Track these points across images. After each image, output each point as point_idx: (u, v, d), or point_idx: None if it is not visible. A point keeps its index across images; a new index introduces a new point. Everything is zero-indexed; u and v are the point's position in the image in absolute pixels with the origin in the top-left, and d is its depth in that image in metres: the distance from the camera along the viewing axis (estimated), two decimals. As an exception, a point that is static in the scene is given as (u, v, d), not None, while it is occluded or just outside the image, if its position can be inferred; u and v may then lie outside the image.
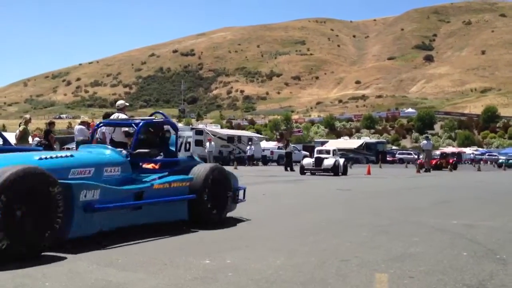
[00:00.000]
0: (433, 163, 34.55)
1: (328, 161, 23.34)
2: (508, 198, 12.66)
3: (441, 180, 21.04)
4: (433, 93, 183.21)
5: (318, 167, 23.54)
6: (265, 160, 44.49)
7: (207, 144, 35.07)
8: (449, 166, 34.06)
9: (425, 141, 32.43)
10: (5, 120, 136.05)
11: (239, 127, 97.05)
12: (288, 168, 28.02)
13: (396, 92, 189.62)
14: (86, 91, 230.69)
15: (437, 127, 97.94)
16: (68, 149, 30.64)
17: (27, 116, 17.34)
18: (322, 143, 53.89)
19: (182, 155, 9.26)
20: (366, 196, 12.31)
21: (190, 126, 52.94)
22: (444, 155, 39.25)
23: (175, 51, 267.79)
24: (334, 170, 23.12)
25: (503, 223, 7.34)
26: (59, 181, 4.62)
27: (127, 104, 12.23)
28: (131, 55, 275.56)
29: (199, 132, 41.47)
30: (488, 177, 25.66)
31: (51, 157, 5.19)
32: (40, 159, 5.03)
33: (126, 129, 10.17)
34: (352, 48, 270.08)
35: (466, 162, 64.29)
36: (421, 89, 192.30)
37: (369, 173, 25.50)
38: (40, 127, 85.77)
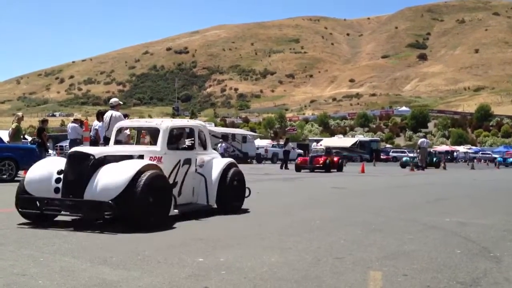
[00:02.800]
0: (320, 161, 26.17)
1: None
2: (501, 196, 12.71)
3: (435, 178, 21.10)
4: (426, 92, 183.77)
5: None
6: (259, 158, 44.53)
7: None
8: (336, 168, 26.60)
9: (422, 139, 32.42)
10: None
11: (233, 125, 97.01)
12: (283, 167, 28.23)
13: (390, 91, 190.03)
14: (80, 89, 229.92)
15: (430, 125, 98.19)
16: (61, 147, 30.60)
17: (20, 114, 17.28)
18: (317, 141, 54.02)
19: None
20: (360, 194, 12.33)
21: (184, 124, 52.80)
22: (328, 151, 27.88)
23: (168, 49, 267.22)
24: None
25: (496, 221, 7.36)
26: None
27: (121, 102, 12.23)
28: (124, 53, 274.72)
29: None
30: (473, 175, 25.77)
31: None
32: None
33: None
34: (346, 47, 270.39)
35: (459, 160, 64.65)
36: (415, 88, 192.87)
37: (363, 171, 25.55)
38: (33, 125, 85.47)
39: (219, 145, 38.33)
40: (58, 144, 31.68)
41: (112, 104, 11.75)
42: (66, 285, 3.58)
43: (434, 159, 36.96)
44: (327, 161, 25.76)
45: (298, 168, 26.05)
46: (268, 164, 39.56)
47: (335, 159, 27.50)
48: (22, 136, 18.08)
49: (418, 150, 32.38)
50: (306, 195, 11.76)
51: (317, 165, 25.38)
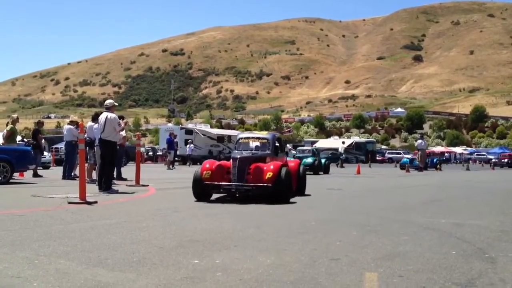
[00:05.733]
0: (266, 175, 18.62)
1: None
2: (496, 196, 12.73)
3: (430, 179, 21.14)
4: (422, 93, 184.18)
5: None
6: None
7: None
8: None
9: (420, 141, 32.49)
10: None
11: (229, 126, 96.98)
12: None
13: (385, 92, 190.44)
14: (75, 91, 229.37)
15: (426, 126, 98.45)
16: (56, 149, 30.48)
17: (15, 115, 17.27)
18: (312, 143, 54.00)
19: None
20: (356, 196, 12.34)
21: (180, 125, 52.87)
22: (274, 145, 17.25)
23: (164, 51, 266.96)
24: None
25: (491, 222, 7.38)
26: None
27: (116, 103, 12.21)
28: (120, 54, 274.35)
29: (188, 131, 41.51)
30: (472, 176, 25.80)
31: None
32: None
33: (123, 134, 10.13)
34: (342, 48, 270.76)
35: (454, 162, 64.87)
36: (410, 89, 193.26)
37: (358, 172, 25.58)
38: (29, 126, 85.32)
39: (187, 146, 38.04)
40: (54, 146, 31.54)
41: (107, 106, 11.73)
42: (61, 287, 3.56)
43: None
44: (283, 172, 9.96)
45: (201, 191, 9.97)
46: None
47: (292, 164, 11.72)
48: (21, 138, 18.05)
49: (418, 152, 32.45)
50: (302, 196, 11.75)
51: (259, 184, 9.86)
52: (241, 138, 11.40)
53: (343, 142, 42.71)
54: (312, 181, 18.08)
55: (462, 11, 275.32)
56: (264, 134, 11.80)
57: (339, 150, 39.49)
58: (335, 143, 59.68)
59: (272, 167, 9.84)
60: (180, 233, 5.90)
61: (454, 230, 6.41)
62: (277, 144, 11.20)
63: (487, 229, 6.65)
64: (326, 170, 26.38)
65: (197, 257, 4.56)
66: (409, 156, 38.99)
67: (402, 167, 33.61)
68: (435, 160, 35.93)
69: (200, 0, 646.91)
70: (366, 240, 5.63)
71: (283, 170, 9.86)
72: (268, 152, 10.67)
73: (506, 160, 49.99)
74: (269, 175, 9.71)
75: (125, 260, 4.39)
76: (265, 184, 9.70)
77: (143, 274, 3.96)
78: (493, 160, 52.01)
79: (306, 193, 11.59)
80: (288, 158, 24.69)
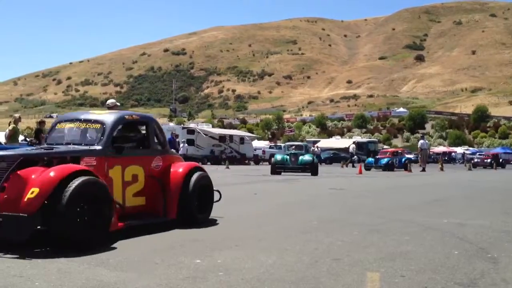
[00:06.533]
0: None
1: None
2: (498, 196, 12.71)
3: (432, 179, 21.11)
4: (424, 93, 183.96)
5: None
6: (257, 160, 44.51)
7: None
8: None
9: (422, 141, 32.51)
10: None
11: (230, 126, 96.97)
12: None
13: (387, 92, 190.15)
14: (77, 90, 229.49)
15: (428, 126, 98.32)
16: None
17: (17, 115, 17.25)
18: (314, 142, 54.03)
19: None
20: (357, 195, 12.32)
21: (182, 125, 52.89)
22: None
23: (166, 50, 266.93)
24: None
25: (493, 222, 7.36)
26: None
27: (118, 103, 12.19)
28: (122, 54, 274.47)
29: (190, 131, 41.50)
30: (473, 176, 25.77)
31: None
32: None
33: None
34: (343, 48, 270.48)
35: (457, 161, 64.86)
36: (412, 89, 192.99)
37: (360, 172, 25.56)
38: (31, 126, 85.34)
39: (181, 145, 37.81)
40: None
41: (109, 105, 11.71)
42: (63, 287, 3.57)
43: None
44: (71, 187, 4.79)
45: None
46: (266, 166, 39.55)
47: (180, 169, 6.58)
48: (23, 138, 18.04)
49: (420, 152, 32.47)
50: (304, 196, 11.75)
51: (10, 214, 4.57)
52: (59, 123, 6.84)
53: (354, 142, 42.62)
54: (312, 181, 18.08)
55: (464, 11, 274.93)
56: (99, 114, 6.43)
57: (350, 150, 39.45)
58: (343, 142, 59.70)
59: (52, 174, 4.86)
60: (181, 232, 5.90)
61: (456, 230, 6.40)
62: (130, 132, 6.59)
63: (489, 229, 6.64)
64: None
65: (199, 256, 4.56)
66: (378, 156, 33.91)
67: (367, 167, 31.65)
68: (403, 160, 32.52)
69: (201, 0, 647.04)
70: (368, 240, 5.62)
71: (76, 183, 4.82)
72: (96, 147, 5.73)
73: (489, 160, 43.86)
74: (31, 194, 4.69)
75: (126, 260, 4.39)
76: (20, 214, 4.57)
77: (145, 273, 3.96)
78: (475, 160, 46.40)
79: (213, 217, 6.95)
80: (279, 156, 22.84)
